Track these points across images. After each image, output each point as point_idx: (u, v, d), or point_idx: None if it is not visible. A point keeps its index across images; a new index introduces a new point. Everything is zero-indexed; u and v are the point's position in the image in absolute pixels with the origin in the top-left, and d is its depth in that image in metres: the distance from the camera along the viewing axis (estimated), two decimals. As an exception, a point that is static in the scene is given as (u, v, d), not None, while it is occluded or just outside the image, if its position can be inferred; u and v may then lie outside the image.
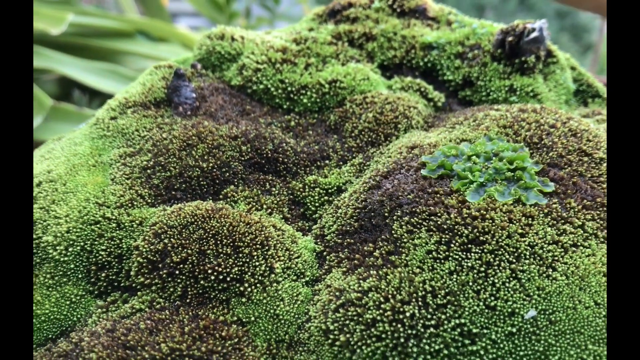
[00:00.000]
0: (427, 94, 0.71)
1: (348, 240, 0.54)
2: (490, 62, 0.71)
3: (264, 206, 0.59)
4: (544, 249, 0.48)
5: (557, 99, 0.72)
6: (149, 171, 0.60)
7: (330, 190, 0.61)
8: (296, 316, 0.50)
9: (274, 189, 0.61)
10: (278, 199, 0.60)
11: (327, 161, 0.63)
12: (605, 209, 0.52)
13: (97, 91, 1.50)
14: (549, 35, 0.72)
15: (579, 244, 0.48)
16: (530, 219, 0.49)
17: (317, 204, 0.60)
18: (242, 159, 0.61)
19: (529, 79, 0.70)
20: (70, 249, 0.54)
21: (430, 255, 0.48)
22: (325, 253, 0.55)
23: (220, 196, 0.59)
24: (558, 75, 0.73)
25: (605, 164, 0.55)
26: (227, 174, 0.60)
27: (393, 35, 0.76)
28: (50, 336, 0.52)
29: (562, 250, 0.48)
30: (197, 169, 0.59)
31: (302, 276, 0.53)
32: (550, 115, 0.61)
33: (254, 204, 0.59)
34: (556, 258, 0.47)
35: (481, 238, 0.48)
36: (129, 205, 0.57)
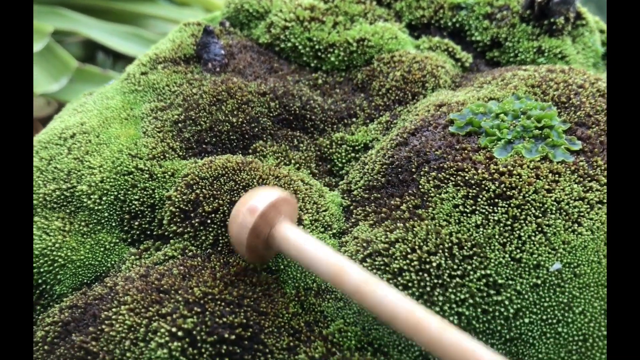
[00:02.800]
0: (455, 54, 0.71)
1: (375, 194, 0.55)
2: (519, 23, 0.71)
3: (292, 161, 0.60)
4: (570, 205, 0.48)
5: (585, 62, 0.72)
6: (180, 125, 0.61)
7: (357, 147, 0.61)
8: (324, 266, 0.51)
9: (301, 145, 0.61)
10: (306, 155, 0.61)
11: (354, 119, 0.64)
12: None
13: (120, 54, 1.51)
14: (579, -4, 0.71)
15: (605, 201, 0.49)
16: (557, 175, 0.50)
17: (343, 161, 0.61)
18: (271, 115, 0.62)
19: (558, 40, 0.69)
20: (104, 198, 0.56)
21: (457, 209, 0.49)
22: (352, 207, 0.56)
23: (250, 150, 0.60)
24: (587, 38, 0.73)
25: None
26: (256, 129, 0.61)
27: (421, -5, 0.75)
28: (85, 281, 0.54)
29: (588, 206, 0.49)
30: (227, 124, 0.60)
31: (329, 228, 0.54)
32: (579, 76, 0.61)
33: (283, 158, 0.60)
34: (582, 214, 0.48)
35: (508, 193, 0.49)
36: (161, 157, 0.58)
